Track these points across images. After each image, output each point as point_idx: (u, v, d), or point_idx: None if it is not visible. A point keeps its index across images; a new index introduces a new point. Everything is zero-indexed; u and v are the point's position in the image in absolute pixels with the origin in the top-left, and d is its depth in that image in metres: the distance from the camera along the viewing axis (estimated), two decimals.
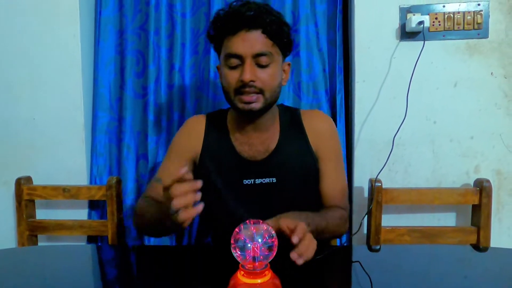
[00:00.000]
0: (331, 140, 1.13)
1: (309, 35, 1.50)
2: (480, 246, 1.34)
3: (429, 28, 1.38)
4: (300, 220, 0.85)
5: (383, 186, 1.34)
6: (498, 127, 1.43)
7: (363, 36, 1.45)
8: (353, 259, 0.95)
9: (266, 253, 0.72)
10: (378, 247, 1.30)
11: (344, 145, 1.51)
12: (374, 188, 1.32)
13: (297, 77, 1.51)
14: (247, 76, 0.97)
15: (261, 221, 0.75)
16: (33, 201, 1.48)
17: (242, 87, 0.99)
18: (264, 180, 1.07)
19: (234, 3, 1.02)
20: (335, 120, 1.51)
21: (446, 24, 1.39)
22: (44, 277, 0.79)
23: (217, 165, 1.10)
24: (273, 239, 0.73)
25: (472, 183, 1.42)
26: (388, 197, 1.34)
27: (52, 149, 1.54)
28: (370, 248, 1.33)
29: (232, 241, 0.73)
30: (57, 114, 1.53)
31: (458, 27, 1.39)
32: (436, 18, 1.39)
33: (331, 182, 1.12)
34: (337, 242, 1.44)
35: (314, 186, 1.12)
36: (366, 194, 1.45)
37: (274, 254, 0.73)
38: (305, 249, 0.77)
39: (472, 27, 1.38)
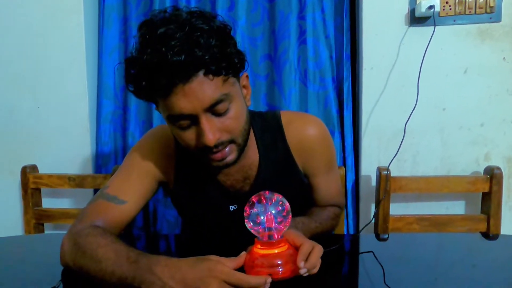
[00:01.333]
0: (320, 153, 0.97)
1: (316, 21, 1.47)
2: (490, 234, 1.33)
3: (439, 12, 1.35)
4: (296, 229, 0.81)
5: (391, 175, 1.32)
6: (509, 114, 1.40)
7: (371, 22, 1.42)
8: (362, 249, 0.93)
9: (281, 220, 0.72)
10: (386, 235, 1.29)
11: (351, 134, 1.49)
12: (383, 177, 1.31)
13: (303, 64, 1.48)
14: (210, 140, 0.76)
15: (268, 192, 0.74)
16: (39, 190, 1.48)
17: (207, 149, 0.79)
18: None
19: (147, 36, 0.73)
20: (341, 108, 1.49)
21: (457, 8, 1.35)
22: (51, 264, 0.79)
23: (197, 192, 0.97)
24: (286, 208, 0.73)
25: (482, 171, 1.40)
26: (396, 185, 1.33)
27: (57, 138, 1.53)
28: (378, 237, 1.32)
29: (245, 214, 0.73)
30: (61, 103, 1.52)
31: (470, 11, 1.35)
32: (446, 2, 1.35)
33: (324, 192, 1.03)
34: (344, 230, 1.43)
35: (305, 199, 1.04)
36: (373, 183, 1.43)
37: (289, 223, 0.73)
38: (313, 266, 0.70)
39: (484, 10, 1.35)
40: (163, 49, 0.69)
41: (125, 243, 0.75)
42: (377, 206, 1.33)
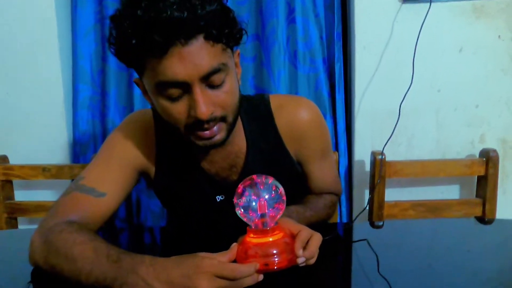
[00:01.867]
0: (314, 139, 0.90)
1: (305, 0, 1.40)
2: (485, 219, 1.29)
3: None
4: (290, 218, 0.76)
5: (386, 159, 1.27)
6: (504, 94, 1.36)
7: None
8: (357, 237, 0.88)
9: (275, 207, 0.66)
10: (381, 223, 1.24)
11: (344, 117, 1.43)
12: (377, 162, 1.25)
13: (293, 45, 1.40)
14: (203, 112, 0.68)
15: (260, 176, 0.68)
16: (10, 182, 1.37)
17: (197, 124, 0.71)
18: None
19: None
20: (333, 91, 1.42)
21: None
22: (25, 262, 0.71)
23: (181, 182, 0.89)
24: (280, 191, 0.67)
25: (476, 153, 1.36)
26: (391, 170, 1.27)
27: (29, 126, 1.43)
28: (373, 225, 1.27)
29: (235, 201, 0.67)
30: (33, 88, 1.41)
31: None
32: None
33: (319, 179, 0.96)
34: (337, 218, 1.37)
35: (299, 188, 0.96)
36: (367, 168, 1.38)
37: (284, 207, 0.67)
38: (311, 255, 0.65)
39: None
40: (161, 4, 0.62)
41: (105, 240, 0.67)
42: (371, 192, 1.28)
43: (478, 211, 1.30)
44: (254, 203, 0.66)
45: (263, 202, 0.66)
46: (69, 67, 1.45)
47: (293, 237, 0.67)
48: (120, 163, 0.84)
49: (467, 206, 1.30)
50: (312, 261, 0.65)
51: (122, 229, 1.40)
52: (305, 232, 0.67)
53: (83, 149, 1.45)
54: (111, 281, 0.59)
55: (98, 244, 0.65)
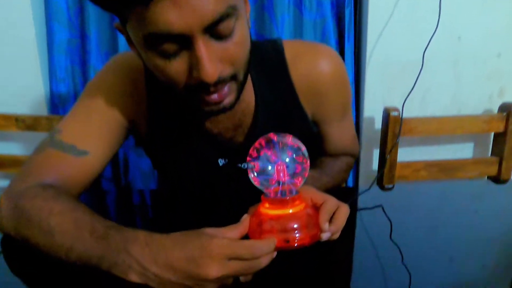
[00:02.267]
0: (336, 96, 0.76)
1: None
2: (500, 178, 1.22)
3: None
4: (307, 183, 0.63)
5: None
6: None
7: None
8: (367, 202, 0.78)
9: (296, 172, 0.55)
10: (391, 186, 1.15)
11: (353, 69, 1.29)
12: (391, 119, 1.14)
13: None
14: (209, 73, 0.53)
15: (284, 134, 0.56)
16: None
17: (201, 86, 0.56)
18: (244, 165, 0.75)
19: None
20: (342, 39, 1.28)
21: None
22: None
23: (177, 142, 0.76)
24: (303, 154, 0.55)
25: (493, 109, 1.27)
26: (405, 128, 1.16)
27: None
28: (382, 187, 1.18)
29: (249, 162, 0.55)
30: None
31: None
32: None
33: (337, 141, 0.84)
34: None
35: (313, 151, 0.82)
36: (377, 125, 1.27)
37: (307, 173, 0.55)
38: (338, 229, 0.55)
39: None
40: None
41: (89, 209, 0.55)
42: (383, 153, 1.17)
43: (493, 171, 1.22)
44: (271, 167, 0.54)
45: (282, 167, 0.54)
46: (41, 4, 1.26)
47: (316, 208, 0.56)
48: (104, 116, 0.70)
49: (482, 165, 1.21)
50: (336, 235, 0.55)
51: (108, 191, 1.29)
52: (330, 202, 0.56)
53: (62, 99, 1.29)
54: (97, 261, 0.48)
55: (80, 214, 0.53)
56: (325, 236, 0.53)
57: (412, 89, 1.16)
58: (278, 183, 0.54)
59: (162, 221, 0.76)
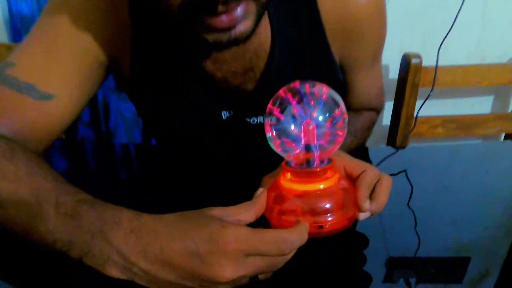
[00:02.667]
0: (371, 37, 0.63)
1: None
2: None
3: None
4: None
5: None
6: None
7: None
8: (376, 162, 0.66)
9: (331, 134, 0.41)
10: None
11: None
12: (412, 67, 0.99)
13: None
14: None
15: (314, 83, 0.41)
16: None
17: (205, 4, 0.41)
18: (253, 120, 0.63)
19: None
20: None
21: None
22: None
23: (169, 87, 0.61)
24: (340, 110, 0.41)
25: None
26: (425, 79, 1.03)
27: None
28: (393, 144, 1.06)
29: (267, 122, 0.42)
30: None
31: None
32: None
33: (364, 92, 0.71)
34: None
35: None
36: (392, 74, 1.13)
37: (343, 136, 0.42)
38: (380, 208, 0.42)
39: None
40: None
41: (55, 172, 0.41)
42: (398, 106, 1.04)
43: None
44: (295, 127, 0.41)
45: (312, 126, 0.40)
46: None
47: (351, 180, 0.44)
48: (74, 44, 0.53)
49: (502, 121, 1.10)
50: (377, 213, 0.43)
51: (85, 138, 1.14)
52: (370, 173, 0.43)
53: (24, 24, 1.10)
54: (64, 246, 0.35)
55: (41, 181, 0.39)
56: (363, 216, 0.41)
57: (449, 32, 1.00)
58: (306, 148, 0.41)
59: (151, 183, 0.63)
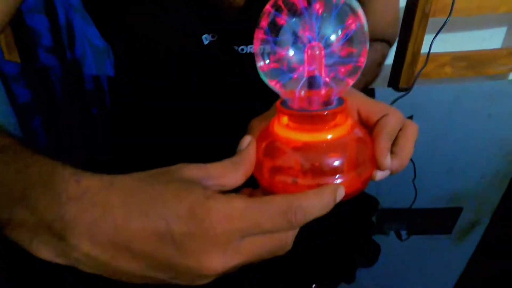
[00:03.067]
0: None
1: None
2: None
3: None
4: None
5: None
6: None
7: None
8: None
9: (346, 63, 0.30)
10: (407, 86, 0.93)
11: None
12: None
13: None
14: None
15: None
16: None
17: None
18: (242, 49, 0.51)
19: None
20: None
21: None
22: None
23: (138, 5, 0.49)
24: (359, 27, 0.30)
25: None
26: (438, 5, 0.89)
27: None
28: (397, 88, 0.96)
29: (257, 45, 0.30)
30: None
31: None
32: None
33: (378, 17, 0.60)
34: None
35: None
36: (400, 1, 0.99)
37: (362, 67, 0.31)
38: (404, 164, 0.32)
39: None
40: None
41: None
42: (404, 40, 0.91)
43: None
44: (296, 52, 0.29)
45: (318, 51, 0.29)
46: None
47: (367, 128, 0.33)
48: None
49: None
50: (399, 171, 0.33)
51: (49, 68, 1.00)
52: (393, 119, 0.32)
53: None
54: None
55: None
56: (380, 175, 0.31)
57: None
58: (310, 81, 0.30)
59: (125, 124, 0.51)
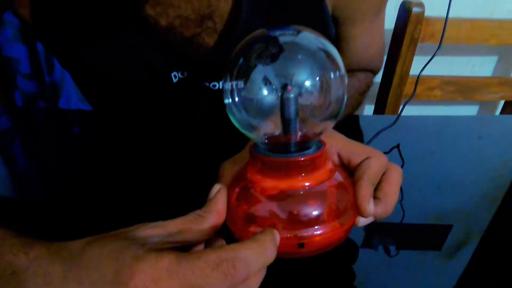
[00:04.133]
0: None
1: None
2: None
3: None
4: None
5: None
6: None
7: None
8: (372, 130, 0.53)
9: (323, 105, 0.27)
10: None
11: None
12: (413, 17, 0.84)
13: None
14: None
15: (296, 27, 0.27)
16: None
17: None
18: (213, 85, 0.48)
19: None
20: None
21: None
22: None
23: (98, 41, 0.46)
24: (336, 67, 0.27)
25: None
26: (427, 31, 0.88)
27: None
28: (382, 110, 0.94)
29: (227, 85, 0.27)
30: None
31: None
32: None
33: (361, 49, 0.58)
34: None
35: None
36: (387, 24, 0.98)
37: (340, 111, 0.28)
38: (389, 212, 0.29)
39: None
40: None
41: None
42: (392, 63, 0.90)
43: None
44: (270, 94, 0.26)
45: (294, 94, 0.26)
46: None
47: (347, 172, 0.30)
48: None
49: (506, 87, 0.97)
50: (383, 217, 0.29)
51: (27, 93, 0.97)
52: (376, 163, 0.29)
53: None
54: None
55: None
56: (363, 222, 0.28)
57: None
58: (285, 125, 0.27)
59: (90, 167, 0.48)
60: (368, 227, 0.35)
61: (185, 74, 0.48)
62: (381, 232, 0.37)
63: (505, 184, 0.46)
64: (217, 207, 0.26)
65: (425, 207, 0.41)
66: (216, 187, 0.27)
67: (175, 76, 0.48)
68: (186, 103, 0.50)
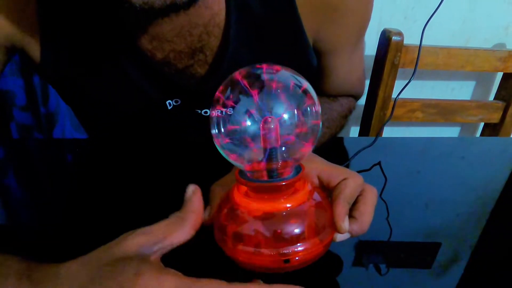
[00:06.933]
0: (354, 12, 0.52)
1: None
2: (501, 128, 1.04)
3: None
4: None
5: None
6: None
7: None
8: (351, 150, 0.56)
9: (301, 133, 0.30)
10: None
11: None
12: (392, 45, 0.89)
13: None
14: None
15: (278, 67, 0.30)
16: None
17: None
18: (205, 111, 0.53)
19: None
20: None
21: None
22: None
23: (97, 74, 0.49)
24: (312, 102, 0.30)
25: (506, 43, 1.05)
26: (406, 58, 0.93)
27: None
28: (366, 132, 0.97)
29: (213, 115, 0.30)
30: None
31: None
32: None
33: (342, 78, 0.61)
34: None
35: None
36: (368, 51, 1.02)
37: (315, 139, 0.31)
38: (364, 229, 0.32)
39: None
40: None
41: None
42: (374, 88, 0.94)
43: (496, 117, 1.03)
44: (253, 124, 0.29)
45: (274, 125, 0.29)
46: None
47: (326, 192, 0.33)
48: None
49: (485, 110, 1.02)
50: (359, 234, 0.32)
51: (22, 125, 0.99)
52: (352, 183, 0.32)
53: None
54: None
55: None
56: (340, 238, 0.31)
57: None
58: (267, 154, 0.29)
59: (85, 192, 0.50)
60: (359, 246, 0.38)
61: (179, 102, 0.51)
62: (371, 250, 0.38)
63: (491, 202, 0.47)
64: (195, 207, 0.29)
65: (413, 224, 0.42)
66: (191, 187, 0.30)
67: (169, 104, 0.51)
68: (180, 128, 0.53)
